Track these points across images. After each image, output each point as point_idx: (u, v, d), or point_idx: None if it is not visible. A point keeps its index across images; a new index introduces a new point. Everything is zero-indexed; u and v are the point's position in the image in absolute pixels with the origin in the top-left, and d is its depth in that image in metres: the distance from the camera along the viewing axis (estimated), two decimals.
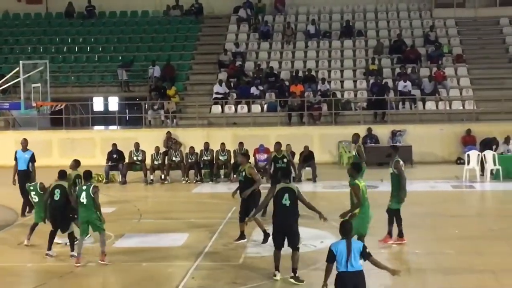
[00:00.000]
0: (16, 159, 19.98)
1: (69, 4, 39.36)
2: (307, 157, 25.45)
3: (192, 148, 25.81)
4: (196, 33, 38.03)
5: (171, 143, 27.69)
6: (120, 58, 36.32)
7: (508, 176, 24.31)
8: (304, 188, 22.96)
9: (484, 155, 24.86)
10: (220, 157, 25.41)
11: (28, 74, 26.07)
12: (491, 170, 24.52)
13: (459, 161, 27.65)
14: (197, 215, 19.33)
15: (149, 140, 27.87)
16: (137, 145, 26.05)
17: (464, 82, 33.02)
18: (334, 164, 28.74)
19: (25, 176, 19.19)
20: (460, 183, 24.10)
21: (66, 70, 35.69)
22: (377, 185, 23.73)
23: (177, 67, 35.28)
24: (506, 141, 25.58)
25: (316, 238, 16.06)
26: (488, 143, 26.31)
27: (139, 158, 25.79)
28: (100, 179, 25.24)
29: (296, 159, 25.31)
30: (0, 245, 16.46)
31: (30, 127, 31.56)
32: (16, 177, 19.70)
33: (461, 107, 31.75)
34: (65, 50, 37.22)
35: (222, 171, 25.61)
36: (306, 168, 25.32)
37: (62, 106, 29.27)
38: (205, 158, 25.62)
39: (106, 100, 35.91)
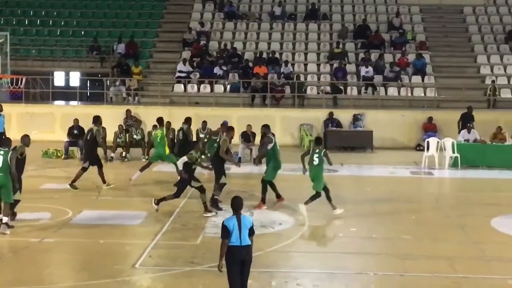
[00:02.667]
0: None
1: None
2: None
3: (155, 126, 25.59)
4: (161, 11, 37.78)
5: (131, 121, 27.53)
6: (82, 33, 35.93)
7: (466, 164, 24.61)
8: (263, 169, 23.00)
9: (443, 142, 25.11)
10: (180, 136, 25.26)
11: None
12: (450, 157, 24.79)
13: (419, 147, 27.91)
14: (157, 194, 19.19)
15: (110, 116, 27.59)
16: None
17: (426, 69, 33.24)
18: (295, 147, 28.79)
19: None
20: (419, 170, 24.31)
21: (27, 43, 35.21)
22: (337, 169, 23.84)
23: (140, 45, 35.03)
24: (468, 129, 25.84)
25: (274, 221, 16.10)
26: (469, 116, 27.05)
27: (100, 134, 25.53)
28: (59, 154, 25.00)
29: (257, 141, 25.33)
30: None
31: None
32: None
33: (423, 94, 32.02)
34: (26, 22, 36.76)
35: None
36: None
37: (23, 84, 28.95)
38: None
39: (67, 75, 35.53)
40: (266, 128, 17.97)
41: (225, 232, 9.90)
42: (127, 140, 25.70)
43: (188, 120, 22.51)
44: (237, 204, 10.09)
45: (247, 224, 9.94)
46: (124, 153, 25.35)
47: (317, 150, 16.83)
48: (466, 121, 27.10)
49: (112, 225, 15.84)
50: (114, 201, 18.60)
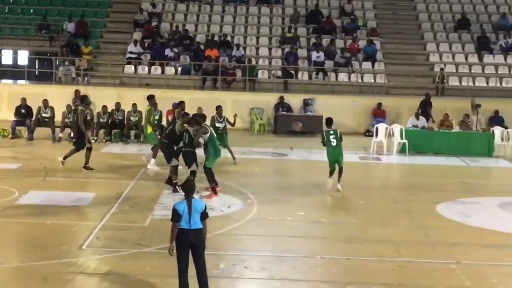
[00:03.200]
0: None
1: None
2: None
3: (104, 107, 25.48)
4: None
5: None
6: (31, 11, 35.37)
7: (414, 150, 24.94)
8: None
9: (392, 128, 25.40)
10: (132, 118, 25.17)
11: None
12: (398, 143, 25.08)
13: (368, 133, 28.19)
14: (105, 175, 19.11)
15: (58, 96, 27.37)
16: (46, 101, 25.55)
17: (377, 56, 33.49)
18: (245, 130, 28.85)
19: None
20: (367, 155, 24.55)
21: None
22: (286, 153, 24.02)
23: (90, 24, 34.63)
24: (416, 116, 26.19)
25: (223, 203, 16.13)
26: (427, 102, 27.72)
27: (48, 114, 25.30)
28: (6, 134, 24.67)
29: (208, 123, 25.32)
30: None
31: None
32: None
33: (373, 80, 32.31)
34: None
35: (132, 132, 25.38)
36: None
37: None
38: (116, 118, 25.34)
39: (15, 53, 34.95)
40: (200, 118, 17.72)
41: (175, 215, 9.89)
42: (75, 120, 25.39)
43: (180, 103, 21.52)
44: (188, 188, 10.08)
45: (198, 208, 9.92)
46: (72, 134, 25.05)
47: (331, 132, 17.97)
48: (425, 108, 27.54)
49: (59, 206, 15.69)
50: (62, 181, 18.46)
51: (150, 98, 20.93)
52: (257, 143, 25.92)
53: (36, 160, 21.03)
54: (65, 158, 19.30)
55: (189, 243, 9.91)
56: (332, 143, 17.80)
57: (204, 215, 9.98)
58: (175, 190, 16.85)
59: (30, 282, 11.15)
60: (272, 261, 12.48)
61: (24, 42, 34.08)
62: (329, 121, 18.44)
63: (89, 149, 19.33)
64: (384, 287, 11.45)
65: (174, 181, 17.13)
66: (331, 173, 17.91)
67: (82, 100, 20.16)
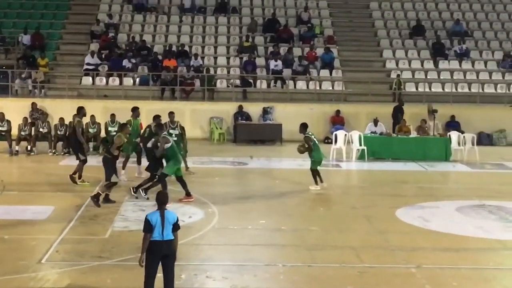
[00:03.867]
0: None
1: None
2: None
3: (61, 119, 25.25)
4: (68, 2, 37.10)
5: (37, 114, 27.02)
6: None
7: (373, 156, 25.14)
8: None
9: (350, 135, 25.58)
10: (90, 130, 24.96)
11: None
12: (357, 150, 25.26)
13: (327, 140, 28.32)
14: (64, 188, 18.90)
15: (15, 109, 27.08)
16: (2, 114, 25.26)
17: (334, 63, 33.68)
18: (205, 140, 28.83)
19: None
20: (327, 162, 24.56)
21: None
22: (246, 162, 24.04)
23: (46, 36, 34.34)
24: (374, 122, 26.41)
25: (185, 213, 16.07)
26: (399, 108, 28.40)
27: (4, 128, 25.00)
28: None
29: None
30: None
31: None
32: None
33: (331, 88, 32.49)
34: None
35: (91, 144, 25.15)
36: None
37: None
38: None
39: None
40: (159, 128, 17.81)
41: (148, 226, 9.88)
42: (33, 133, 25.16)
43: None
44: (161, 199, 10.09)
45: (170, 220, 9.94)
46: (29, 147, 24.81)
47: (313, 135, 19.76)
48: (397, 114, 27.91)
49: (17, 220, 15.51)
50: (19, 195, 18.21)
51: (135, 109, 20.85)
52: (217, 152, 25.91)
53: None
54: (80, 177, 19.14)
55: (161, 255, 9.90)
56: (318, 145, 19.46)
57: (176, 227, 10.00)
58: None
59: None
60: (233, 270, 12.49)
61: None
62: (306, 126, 19.65)
63: (83, 161, 19.25)
64: None
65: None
66: (318, 175, 19.19)
67: (78, 111, 19.99)
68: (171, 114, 21.47)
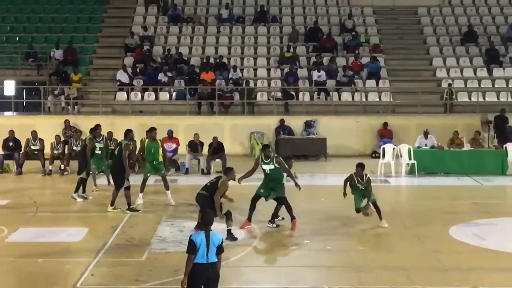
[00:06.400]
0: None
1: None
2: (217, 148, 25.47)
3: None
4: (101, 14, 37.61)
5: (70, 132, 27.34)
6: (17, 39, 35.60)
7: (423, 171, 24.95)
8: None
9: (399, 148, 25.43)
10: None
11: None
12: (407, 164, 25.09)
13: (374, 154, 28.20)
14: (99, 208, 19.07)
15: (48, 127, 27.42)
16: (34, 133, 25.59)
17: (381, 73, 33.59)
18: (245, 156, 28.85)
19: None
20: (374, 178, 24.37)
21: None
22: (288, 179, 23.94)
23: (79, 50, 34.81)
24: (425, 135, 26.22)
25: (224, 233, 16.08)
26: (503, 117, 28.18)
27: (37, 147, 25.34)
28: None
29: (205, 151, 25.41)
30: None
31: None
32: None
33: (378, 99, 32.37)
34: None
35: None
36: (216, 160, 25.33)
37: None
38: (110, 147, 25.32)
39: (1, 83, 35.05)
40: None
41: (192, 247, 9.89)
42: (66, 152, 25.45)
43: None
44: (207, 220, 10.15)
45: (215, 242, 9.96)
46: (63, 166, 25.08)
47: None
48: (501, 124, 28.02)
49: (51, 242, 15.68)
50: (53, 217, 18.43)
51: (152, 130, 20.44)
52: (258, 169, 25.88)
53: (25, 195, 21.04)
54: (112, 204, 18.64)
55: (205, 278, 9.93)
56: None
57: (220, 249, 10.03)
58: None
59: None
60: None
61: (10, 72, 34.23)
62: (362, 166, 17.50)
63: (128, 188, 18.42)
64: None
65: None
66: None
67: (126, 134, 19.25)
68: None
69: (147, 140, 20.22)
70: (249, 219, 16.93)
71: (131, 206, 18.55)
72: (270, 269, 14.13)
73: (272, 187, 17.02)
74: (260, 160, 17.30)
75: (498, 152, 25.73)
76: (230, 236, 15.46)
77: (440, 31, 36.79)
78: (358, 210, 17.36)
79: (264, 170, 17.16)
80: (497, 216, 18.61)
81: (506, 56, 34.75)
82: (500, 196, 22.53)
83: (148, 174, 19.92)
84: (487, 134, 27.49)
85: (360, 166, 17.27)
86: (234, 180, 16.69)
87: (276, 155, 17.56)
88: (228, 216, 15.76)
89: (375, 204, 17.16)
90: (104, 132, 25.54)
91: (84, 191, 20.22)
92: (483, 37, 36.05)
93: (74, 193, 19.96)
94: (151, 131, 20.29)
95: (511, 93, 32.37)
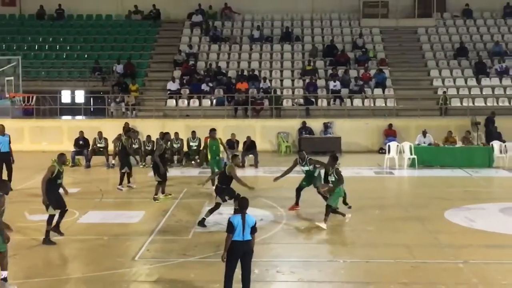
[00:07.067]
0: None
1: (40, 7, 38.74)
2: (250, 146, 25.52)
3: (148, 136, 25.69)
4: (154, 36, 37.75)
5: (130, 132, 27.47)
6: (86, 56, 35.86)
7: (422, 164, 24.77)
8: (248, 172, 23.17)
9: (402, 145, 25.27)
10: (174, 145, 25.30)
11: (2, 69, 25.53)
12: (408, 159, 24.94)
13: (381, 150, 28.04)
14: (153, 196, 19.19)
15: (111, 129, 27.56)
16: (100, 133, 25.81)
17: (386, 83, 33.39)
18: (273, 152, 28.86)
19: (6, 157, 19.26)
20: (381, 170, 24.44)
21: (37, 66, 35.03)
22: None
23: (137, 65, 34.98)
24: (423, 134, 26.03)
25: (256, 216, 16.04)
26: (491, 119, 27.95)
27: (102, 145, 25.54)
28: (67, 163, 24.88)
29: (240, 147, 25.48)
30: None
31: (4, 115, 30.83)
32: None
33: (384, 104, 32.17)
34: (36, 48, 36.57)
35: (175, 157, 25.49)
36: (249, 156, 25.39)
37: (34, 101, 28.71)
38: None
39: (73, 93, 35.39)
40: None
41: (230, 227, 9.99)
42: None
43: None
44: (243, 205, 10.22)
45: (249, 223, 10.04)
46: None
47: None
48: (488, 125, 27.97)
49: (114, 223, 15.83)
50: (115, 202, 18.58)
51: (212, 130, 20.16)
52: (284, 162, 25.66)
53: (93, 184, 21.24)
54: (163, 192, 18.45)
55: (241, 253, 10.00)
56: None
57: (254, 229, 10.11)
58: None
59: None
60: (300, 266, 12.48)
61: (80, 83, 34.49)
62: (336, 158, 16.16)
63: (159, 183, 18.24)
64: (400, 286, 11.37)
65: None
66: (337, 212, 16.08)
67: (163, 136, 19.07)
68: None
69: (209, 139, 20.24)
70: (297, 203, 17.07)
71: (155, 196, 18.22)
72: (295, 246, 14.12)
73: (310, 180, 17.11)
74: (297, 162, 17.27)
75: (486, 148, 25.47)
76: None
77: (436, 47, 36.44)
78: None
79: (302, 170, 17.31)
80: (485, 202, 18.44)
81: (492, 68, 34.34)
82: (487, 185, 22.30)
83: (214, 167, 19.46)
84: (476, 133, 27.19)
85: (332, 157, 16.00)
86: (238, 166, 16.81)
87: (309, 158, 17.24)
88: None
89: (328, 207, 15.40)
90: (156, 133, 25.78)
91: (128, 182, 20.24)
92: (472, 52, 35.65)
93: (119, 185, 20.00)
94: (212, 131, 20.17)
95: (496, 98, 32.01)
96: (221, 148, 20.32)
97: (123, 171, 20.08)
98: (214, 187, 16.79)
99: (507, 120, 29.53)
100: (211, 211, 15.42)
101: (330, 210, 15.43)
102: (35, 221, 15.53)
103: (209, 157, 20.14)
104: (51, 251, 13.52)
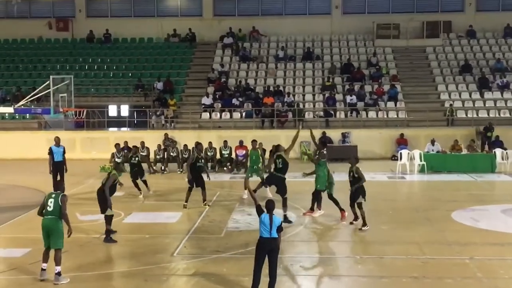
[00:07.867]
0: (51, 153, 19.94)
1: (90, 32, 39.18)
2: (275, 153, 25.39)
3: (185, 145, 25.80)
4: (190, 56, 37.96)
5: (169, 142, 27.68)
6: (130, 74, 36.18)
7: (431, 170, 24.55)
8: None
9: (413, 153, 25.08)
10: (208, 153, 25.39)
11: (57, 86, 25.75)
12: (418, 165, 24.74)
13: (393, 157, 27.84)
14: (189, 199, 19.22)
15: (152, 139, 27.79)
16: (142, 143, 25.93)
17: (398, 97, 33.19)
18: (296, 159, 28.75)
19: (61, 166, 19.42)
20: (394, 175, 24.27)
21: (87, 83, 35.40)
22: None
23: (175, 82, 35.19)
24: (432, 142, 25.82)
25: (280, 216, 16.06)
26: (488, 128, 27.67)
27: (144, 153, 25.68)
28: (124, 171, 25.02)
29: (267, 155, 25.42)
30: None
31: (58, 128, 31.26)
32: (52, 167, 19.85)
33: (396, 116, 31.97)
34: (86, 68, 36.99)
35: (209, 164, 25.56)
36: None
37: (84, 115, 29.02)
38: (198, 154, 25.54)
39: (118, 107, 35.70)
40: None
41: (259, 211, 10.22)
42: (165, 157, 25.82)
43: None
44: (269, 207, 10.25)
45: (276, 223, 10.09)
46: (163, 167, 25.46)
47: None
48: (486, 133, 27.78)
49: (155, 223, 15.93)
50: (156, 204, 18.67)
51: (253, 142, 20.21)
52: (306, 169, 25.70)
53: (136, 188, 21.32)
54: (204, 200, 17.84)
55: (268, 249, 10.00)
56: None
57: (280, 228, 10.14)
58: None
59: (135, 282, 11.33)
60: (321, 261, 12.45)
61: (125, 99, 34.77)
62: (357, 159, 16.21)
63: (189, 189, 17.64)
64: (412, 280, 11.29)
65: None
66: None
67: (196, 145, 18.68)
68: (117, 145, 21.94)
69: (250, 149, 20.32)
70: (319, 207, 16.60)
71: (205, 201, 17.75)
72: (316, 243, 14.09)
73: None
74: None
75: (489, 155, 25.17)
76: (286, 219, 15.38)
77: (443, 65, 36.12)
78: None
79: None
80: (488, 204, 18.22)
81: (494, 83, 33.93)
82: (490, 188, 22.03)
83: (249, 175, 19.36)
84: (479, 142, 26.87)
85: (355, 158, 16.18)
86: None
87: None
88: (284, 203, 15.72)
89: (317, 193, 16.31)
90: (192, 142, 25.80)
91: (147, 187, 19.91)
92: (476, 69, 35.27)
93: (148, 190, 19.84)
94: (253, 142, 20.31)
95: (498, 110, 31.63)
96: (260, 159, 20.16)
97: (143, 179, 19.97)
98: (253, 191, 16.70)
99: (508, 130, 29.17)
100: (284, 205, 15.50)
101: (317, 195, 16.05)
102: (85, 221, 15.69)
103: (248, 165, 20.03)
104: (100, 247, 13.64)
